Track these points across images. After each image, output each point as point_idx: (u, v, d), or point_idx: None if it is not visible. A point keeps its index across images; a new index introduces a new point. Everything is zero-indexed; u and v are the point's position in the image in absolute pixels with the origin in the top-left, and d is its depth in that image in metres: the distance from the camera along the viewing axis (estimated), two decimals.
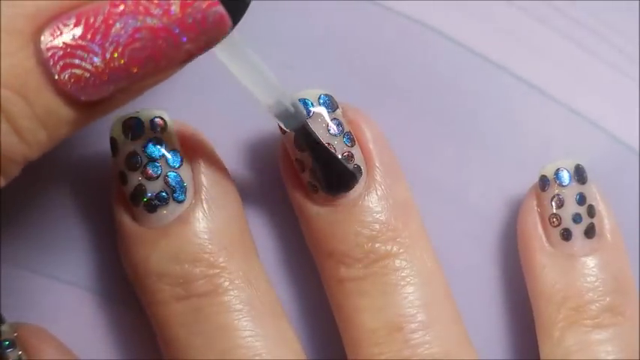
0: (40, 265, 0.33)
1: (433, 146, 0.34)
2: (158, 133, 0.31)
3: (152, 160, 0.31)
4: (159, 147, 0.31)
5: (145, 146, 0.31)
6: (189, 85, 0.34)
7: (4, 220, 0.33)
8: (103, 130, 0.31)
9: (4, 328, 0.31)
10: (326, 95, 0.32)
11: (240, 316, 0.30)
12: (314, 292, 0.33)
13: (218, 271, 0.31)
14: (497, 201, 0.34)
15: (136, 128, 0.31)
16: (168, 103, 0.33)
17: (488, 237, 0.34)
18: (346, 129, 0.32)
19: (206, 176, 0.31)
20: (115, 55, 0.25)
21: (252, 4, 0.34)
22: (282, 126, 0.30)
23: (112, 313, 0.33)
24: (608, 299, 0.32)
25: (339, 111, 0.32)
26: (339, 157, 0.31)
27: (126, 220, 0.31)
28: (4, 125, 0.25)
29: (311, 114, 0.31)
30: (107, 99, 0.26)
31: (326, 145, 0.31)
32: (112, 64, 0.25)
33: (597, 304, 0.32)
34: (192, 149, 0.31)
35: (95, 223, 0.33)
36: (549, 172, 0.33)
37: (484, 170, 0.34)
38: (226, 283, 0.30)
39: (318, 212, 0.32)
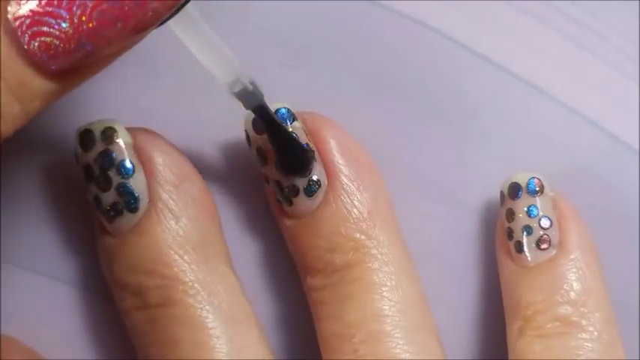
0: (37, 263, 0.33)
1: (433, 146, 0.34)
2: (109, 143, 0.31)
3: (104, 171, 0.31)
4: (109, 158, 0.31)
5: (95, 158, 0.31)
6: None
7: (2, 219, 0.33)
8: None
9: None
10: (284, 107, 0.31)
11: (194, 328, 0.30)
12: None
13: (170, 282, 0.30)
14: (496, 201, 0.34)
15: (88, 140, 0.31)
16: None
17: (487, 237, 0.34)
18: (303, 141, 0.31)
19: (162, 182, 0.31)
20: (83, 18, 0.24)
21: (252, 4, 0.34)
22: (242, 105, 0.30)
23: (109, 313, 0.33)
24: (557, 310, 0.32)
25: (296, 123, 0.31)
26: (297, 139, 0.31)
27: (98, 229, 0.32)
28: None
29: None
30: (78, 67, 0.25)
31: (283, 125, 0.30)
32: (80, 28, 0.24)
33: (545, 315, 0.32)
34: (148, 155, 0.31)
35: (93, 223, 0.33)
36: (504, 187, 0.33)
37: (483, 170, 0.34)
38: (179, 295, 0.30)
39: (286, 225, 0.32)
